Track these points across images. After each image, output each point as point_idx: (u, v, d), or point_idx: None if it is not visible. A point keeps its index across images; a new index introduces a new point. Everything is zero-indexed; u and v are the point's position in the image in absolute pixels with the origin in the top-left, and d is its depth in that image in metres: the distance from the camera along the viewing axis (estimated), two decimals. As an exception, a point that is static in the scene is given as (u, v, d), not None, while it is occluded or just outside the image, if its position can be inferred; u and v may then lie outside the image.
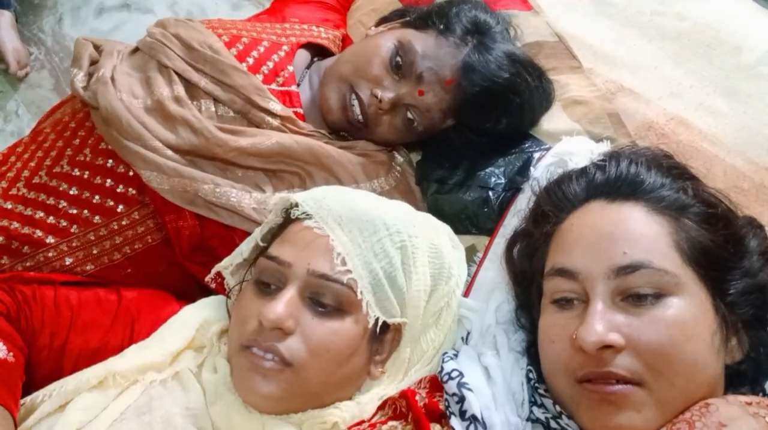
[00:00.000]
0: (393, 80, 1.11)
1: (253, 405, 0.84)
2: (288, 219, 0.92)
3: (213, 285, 1.01)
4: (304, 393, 0.84)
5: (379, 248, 0.86)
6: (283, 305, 0.82)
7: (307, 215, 0.88)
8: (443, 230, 0.99)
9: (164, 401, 0.85)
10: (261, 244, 0.94)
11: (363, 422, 0.82)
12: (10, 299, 0.94)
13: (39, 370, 0.93)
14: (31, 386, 0.91)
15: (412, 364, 0.90)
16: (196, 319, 0.95)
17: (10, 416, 0.85)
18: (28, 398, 0.89)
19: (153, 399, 0.85)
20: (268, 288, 0.86)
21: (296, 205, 0.90)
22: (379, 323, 0.86)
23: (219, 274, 0.98)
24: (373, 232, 0.87)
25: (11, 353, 0.89)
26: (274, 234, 0.93)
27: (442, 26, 1.13)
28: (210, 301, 1.00)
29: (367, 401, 0.86)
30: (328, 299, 0.84)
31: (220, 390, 0.86)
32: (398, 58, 1.10)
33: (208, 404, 0.85)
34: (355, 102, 1.12)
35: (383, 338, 0.89)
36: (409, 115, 1.13)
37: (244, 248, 0.95)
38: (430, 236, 0.93)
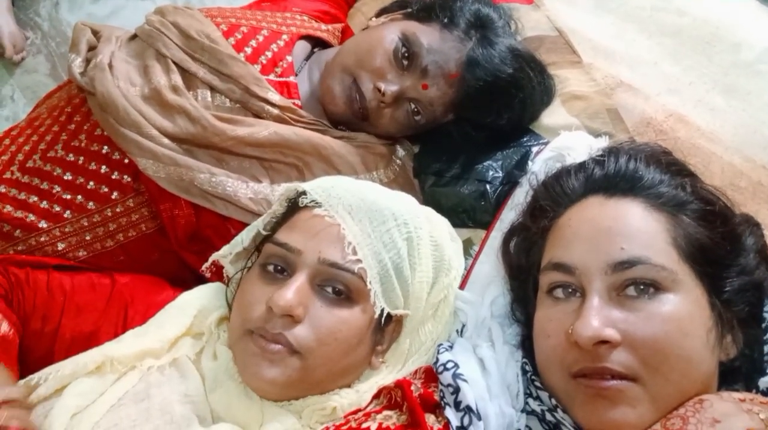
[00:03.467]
0: (397, 73, 1.10)
1: (257, 390, 0.84)
2: (294, 207, 0.92)
3: (208, 274, 1.01)
4: (308, 380, 0.84)
5: (388, 239, 0.86)
6: (294, 292, 0.81)
7: (317, 203, 0.88)
8: (442, 222, 0.99)
9: (162, 388, 0.84)
10: (263, 232, 0.93)
11: (359, 410, 0.82)
12: (4, 279, 0.94)
13: (30, 355, 0.92)
14: (22, 371, 0.90)
15: (410, 355, 0.91)
16: (194, 306, 0.94)
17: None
18: (22, 381, 0.88)
19: (151, 386, 0.85)
20: (275, 274, 0.86)
21: (304, 193, 0.90)
22: (384, 314, 0.86)
23: (214, 263, 0.98)
24: (382, 222, 0.87)
25: (12, 330, 0.88)
26: (279, 222, 0.93)
27: (446, 20, 1.12)
28: (208, 288, 0.99)
29: (366, 390, 0.86)
30: (340, 288, 0.84)
31: (220, 377, 0.86)
32: (403, 51, 1.10)
33: (207, 391, 0.85)
34: (358, 95, 1.11)
35: (385, 328, 0.89)
36: (412, 108, 1.13)
37: (245, 237, 0.95)
38: (432, 228, 0.93)
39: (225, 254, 0.96)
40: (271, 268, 0.86)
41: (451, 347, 0.87)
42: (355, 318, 0.84)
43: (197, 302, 0.95)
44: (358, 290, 0.84)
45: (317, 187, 0.90)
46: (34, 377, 0.88)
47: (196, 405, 0.84)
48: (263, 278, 0.86)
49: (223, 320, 0.94)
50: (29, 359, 0.92)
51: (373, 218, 0.87)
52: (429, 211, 0.98)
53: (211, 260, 0.97)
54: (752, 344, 0.78)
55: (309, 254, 0.84)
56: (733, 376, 0.77)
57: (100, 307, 0.96)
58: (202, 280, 1.03)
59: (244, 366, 0.84)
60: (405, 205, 0.92)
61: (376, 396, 0.84)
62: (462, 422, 0.76)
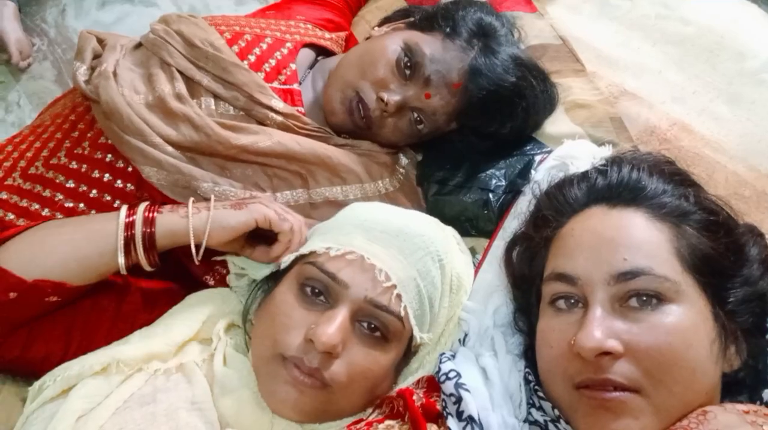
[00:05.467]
0: (399, 83, 1.11)
1: (279, 414, 0.83)
2: None
3: (212, 282, 1.01)
4: (331, 411, 0.84)
5: (424, 270, 0.86)
6: (338, 329, 0.80)
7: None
8: (452, 235, 0.99)
9: (169, 393, 0.84)
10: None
11: (361, 420, 0.82)
12: None
13: (48, 361, 0.91)
14: (36, 375, 0.90)
15: (418, 371, 0.91)
16: (203, 311, 0.94)
17: None
18: (36, 384, 0.88)
19: (158, 390, 0.84)
20: (314, 298, 0.85)
21: None
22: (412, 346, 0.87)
23: (217, 271, 0.98)
24: (414, 250, 0.87)
25: None
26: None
27: (448, 29, 1.12)
28: (215, 292, 0.99)
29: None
30: (376, 325, 0.83)
31: (232, 384, 0.85)
32: (405, 61, 1.10)
33: (215, 397, 0.85)
34: (361, 105, 1.11)
35: (404, 360, 0.89)
36: (415, 117, 1.13)
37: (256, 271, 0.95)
38: (448, 247, 0.93)
39: (237, 270, 0.96)
40: (309, 290, 0.85)
41: (453, 356, 0.87)
42: (387, 359, 0.85)
43: (206, 308, 0.95)
44: (396, 332, 0.84)
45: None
46: (45, 380, 0.87)
47: (204, 412, 0.83)
48: (301, 300, 0.85)
49: (231, 327, 0.94)
50: (47, 365, 0.91)
51: (407, 249, 0.86)
52: (439, 225, 0.98)
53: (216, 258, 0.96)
54: (756, 356, 0.78)
55: (356, 291, 0.83)
56: (737, 387, 0.77)
57: (113, 306, 0.96)
58: (203, 288, 1.02)
59: (272, 391, 0.83)
60: (431, 230, 0.92)
61: (378, 406, 0.84)
62: (464, 432, 0.76)
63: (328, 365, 0.81)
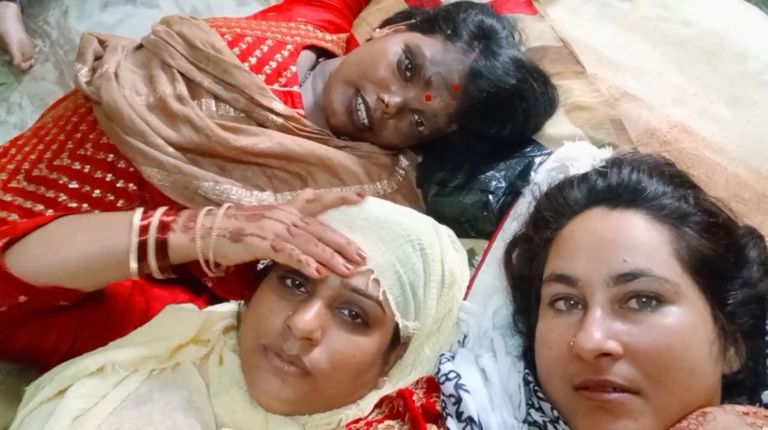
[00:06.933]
0: (400, 85, 1.11)
1: (265, 406, 0.83)
2: None
3: (210, 284, 1.01)
4: (317, 401, 0.84)
5: (404, 256, 0.86)
6: (314, 315, 0.80)
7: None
8: (445, 232, 0.99)
9: (165, 393, 0.84)
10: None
11: (360, 420, 0.82)
12: None
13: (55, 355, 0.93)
14: (45, 351, 0.91)
15: (413, 369, 0.91)
16: (200, 313, 0.94)
17: None
18: (33, 384, 0.88)
19: (154, 390, 0.84)
20: (294, 289, 0.85)
21: None
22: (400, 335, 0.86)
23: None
24: (399, 244, 0.87)
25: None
26: None
27: (449, 31, 1.13)
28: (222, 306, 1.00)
29: (367, 402, 0.86)
30: (357, 312, 0.83)
31: (226, 383, 0.85)
32: (406, 63, 1.10)
33: (211, 396, 0.85)
34: (361, 106, 1.12)
35: (393, 351, 0.89)
36: (415, 119, 1.13)
37: None
38: (438, 242, 0.92)
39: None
40: (289, 282, 0.85)
41: (452, 357, 0.87)
42: (370, 345, 0.84)
43: (204, 311, 0.95)
44: (376, 317, 0.84)
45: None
46: (41, 381, 0.88)
47: (199, 411, 0.84)
48: (281, 292, 0.85)
49: (229, 329, 0.94)
50: (55, 356, 0.92)
51: (388, 237, 0.86)
52: (432, 222, 0.98)
53: None
54: (756, 357, 0.78)
55: (333, 277, 0.83)
56: (737, 389, 0.77)
57: (122, 304, 0.97)
58: (203, 288, 1.03)
59: (254, 382, 0.83)
60: (415, 220, 0.92)
61: (378, 405, 0.84)
62: (464, 433, 0.76)
63: (307, 351, 0.80)
